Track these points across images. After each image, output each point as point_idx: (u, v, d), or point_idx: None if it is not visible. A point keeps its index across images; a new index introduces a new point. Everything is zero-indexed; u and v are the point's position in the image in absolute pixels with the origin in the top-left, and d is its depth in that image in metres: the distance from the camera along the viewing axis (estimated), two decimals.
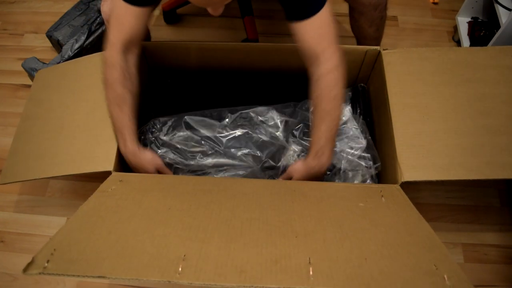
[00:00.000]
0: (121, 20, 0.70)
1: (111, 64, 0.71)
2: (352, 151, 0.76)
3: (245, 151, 0.77)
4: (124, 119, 0.72)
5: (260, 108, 0.80)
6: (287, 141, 0.77)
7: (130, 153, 0.73)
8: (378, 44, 0.93)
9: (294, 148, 0.76)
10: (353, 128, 0.78)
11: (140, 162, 0.73)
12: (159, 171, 0.76)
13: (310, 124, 0.77)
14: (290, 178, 0.74)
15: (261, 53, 0.87)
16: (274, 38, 1.27)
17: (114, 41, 0.71)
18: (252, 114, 0.80)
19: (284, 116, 0.79)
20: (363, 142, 0.76)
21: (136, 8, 0.69)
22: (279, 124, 0.79)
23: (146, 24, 0.75)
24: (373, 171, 0.76)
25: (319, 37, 0.65)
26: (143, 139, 0.80)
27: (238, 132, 0.79)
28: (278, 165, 0.76)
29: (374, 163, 0.76)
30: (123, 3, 0.68)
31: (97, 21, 1.12)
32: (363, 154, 0.76)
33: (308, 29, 0.65)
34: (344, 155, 0.75)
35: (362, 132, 0.78)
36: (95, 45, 1.11)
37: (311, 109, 0.72)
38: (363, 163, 0.75)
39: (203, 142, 0.78)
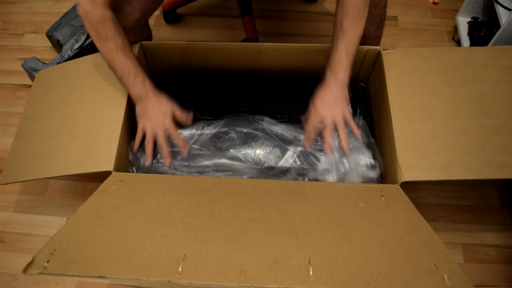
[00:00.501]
0: None
1: (102, 19, 0.69)
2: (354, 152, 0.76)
3: (245, 152, 0.77)
4: (135, 63, 0.73)
5: (258, 117, 0.81)
6: (287, 142, 0.77)
7: (152, 92, 0.75)
8: (378, 43, 0.93)
9: (294, 149, 0.76)
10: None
11: (160, 102, 0.76)
12: (175, 116, 0.77)
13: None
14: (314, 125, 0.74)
15: (261, 53, 0.87)
16: (274, 38, 1.27)
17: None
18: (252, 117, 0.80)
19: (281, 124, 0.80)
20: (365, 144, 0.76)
21: None
22: (279, 127, 0.79)
23: None
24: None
25: None
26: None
27: (238, 134, 0.79)
28: (278, 165, 0.76)
29: (375, 163, 0.76)
30: None
31: None
32: (364, 155, 0.76)
33: None
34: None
35: (363, 133, 0.78)
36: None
37: (334, 26, 0.74)
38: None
39: (202, 143, 0.78)
